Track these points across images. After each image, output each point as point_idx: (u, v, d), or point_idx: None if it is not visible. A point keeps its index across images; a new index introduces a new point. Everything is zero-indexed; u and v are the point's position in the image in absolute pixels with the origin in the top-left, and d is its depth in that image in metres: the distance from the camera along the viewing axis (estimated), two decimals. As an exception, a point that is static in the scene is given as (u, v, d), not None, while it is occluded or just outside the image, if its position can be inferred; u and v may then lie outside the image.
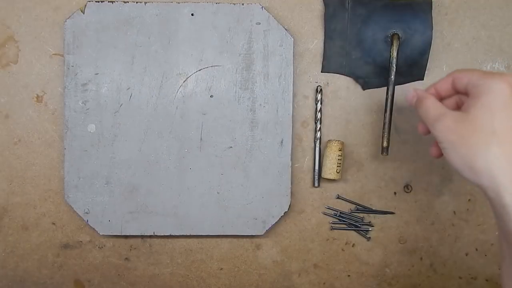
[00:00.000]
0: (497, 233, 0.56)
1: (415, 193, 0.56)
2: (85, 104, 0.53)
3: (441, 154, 0.43)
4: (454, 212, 0.56)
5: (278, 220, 0.54)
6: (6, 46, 0.54)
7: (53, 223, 0.55)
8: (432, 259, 0.57)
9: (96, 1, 0.52)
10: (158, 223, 0.54)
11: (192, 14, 0.53)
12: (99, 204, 0.53)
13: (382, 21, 0.52)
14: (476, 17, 0.55)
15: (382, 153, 0.52)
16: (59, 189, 0.55)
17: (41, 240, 0.55)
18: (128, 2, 0.52)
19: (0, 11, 0.54)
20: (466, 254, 0.57)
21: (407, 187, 0.56)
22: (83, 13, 0.52)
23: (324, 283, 0.56)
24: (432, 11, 0.52)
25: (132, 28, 0.52)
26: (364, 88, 0.54)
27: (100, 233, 0.54)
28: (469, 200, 0.56)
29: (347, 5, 0.53)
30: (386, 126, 0.51)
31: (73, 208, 0.53)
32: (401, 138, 0.55)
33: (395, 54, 0.51)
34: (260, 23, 0.53)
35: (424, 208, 0.56)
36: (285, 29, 0.53)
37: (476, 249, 0.57)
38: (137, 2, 0.52)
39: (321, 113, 0.55)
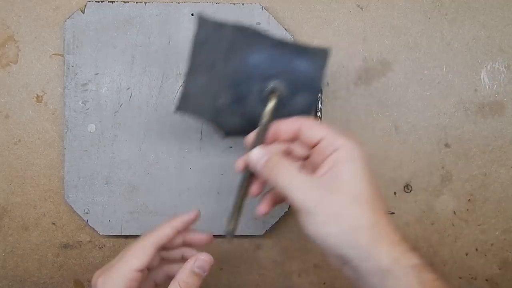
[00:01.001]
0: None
1: (415, 193, 0.56)
2: (85, 104, 0.53)
3: (269, 210, 0.40)
4: (454, 212, 0.56)
5: (278, 220, 0.54)
6: (6, 46, 0.54)
7: (53, 223, 0.55)
8: (432, 259, 0.57)
9: (96, 1, 0.52)
10: (158, 223, 0.54)
11: (192, 14, 0.53)
12: (99, 204, 0.53)
13: (264, 66, 0.40)
14: (476, 17, 0.55)
15: (226, 235, 0.39)
16: (59, 189, 0.55)
17: (41, 240, 0.55)
18: (128, 2, 0.52)
19: (0, 11, 0.54)
20: (466, 254, 0.57)
21: (407, 187, 0.56)
22: (83, 13, 0.52)
23: (324, 283, 0.56)
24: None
25: (132, 28, 0.52)
26: (224, 138, 0.45)
27: (100, 233, 0.54)
28: (469, 200, 0.56)
29: (226, 34, 0.40)
30: (238, 202, 0.39)
31: (73, 208, 0.53)
32: (401, 138, 0.55)
33: (267, 117, 0.39)
34: (260, 23, 0.53)
35: (424, 208, 0.56)
36: (285, 29, 0.53)
37: (476, 249, 0.57)
38: (137, 2, 0.52)
39: (321, 113, 0.55)
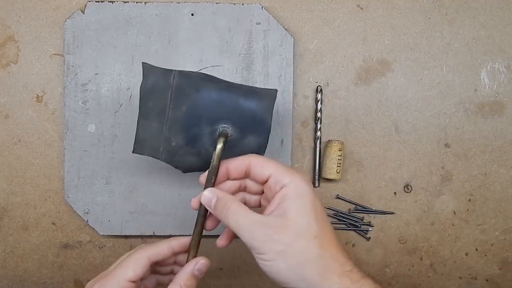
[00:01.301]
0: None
1: (415, 193, 0.56)
2: (85, 104, 0.53)
3: (228, 244, 0.42)
4: (454, 212, 0.56)
5: (278, 220, 0.54)
6: (6, 46, 0.54)
7: (53, 223, 0.55)
8: (432, 259, 0.57)
9: (96, 1, 0.52)
10: (158, 223, 0.54)
11: (192, 14, 0.53)
12: (99, 204, 0.53)
13: (213, 109, 0.41)
14: (476, 17, 0.55)
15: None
16: (59, 189, 0.55)
17: (41, 240, 0.55)
18: (128, 2, 0.52)
19: (0, 11, 0.54)
20: (466, 254, 0.57)
21: (407, 187, 0.56)
22: (83, 13, 0.52)
23: (324, 283, 0.56)
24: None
25: (132, 28, 0.52)
26: (185, 172, 0.46)
27: (100, 233, 0.54)
28: (469, 200, 0.56)
29: (172, 80, 0.41)
30: (195, 236, 0.41)
31: (73, 208, 0.53)
32: (401, 138, 0.55)
33: (215, 159, 0.40)
34: (260, 23, 0.53)
35: (424, 208, 0.56)
36: (285, 29, 0.53)
37: (476, 249, 0.57)
38: (137, 2, 0.52)
39: (321, 113, 0.55)
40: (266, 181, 0.39)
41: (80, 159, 0.53)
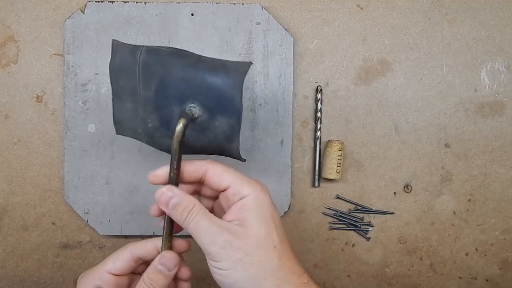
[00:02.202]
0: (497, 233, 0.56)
1: (415, 193, 0.56)
2: (85, 104, 0.53)
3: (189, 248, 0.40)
4: (454, 212, 0.56)
5: (278, 220, 0.54)
6: (6, 46, 0.54)
7: (53, 223, 0.55)
8: (432, 259, 0.57)
9: (96, 1, 0.52)
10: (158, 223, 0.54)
11: (192, 14, 0.53)
12: (99, 204, 0.53)
13: (180, 87, 0.37)
14: (476, 17, 0.55)
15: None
16: (59, 189, 0.55)
17: (41, 240, 0.55)
18: (128, 2, 0.52)
19: (0, 11, 0.54)
20: (466, 254, 0.57)
21: (407, 187, 0.56)
22: (83, 13, 0.52)
23: (324, 283, 0.56)
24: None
25: (132, 28, 0.52)
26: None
27: (100, 233, 0.54)
28: (469, 200, 0.56)
29: (138, 57, 0.38)
30: (165, 238, 0.38)
31: (73, 208, 0.53)
32: (401, 138, 0.55)
33: (175, 145, 0.37)
34: (260, 23, 0.53)
35: (424, 208, 0.56)
36: (285, 29, 0.53)
37: (476, 249, 0.57)
38: (137, 2, 0.52)
39: (321, 113, 0.55)
40: (224, 190, 0.37)
41: (80, 159, 0.53)
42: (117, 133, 0.42)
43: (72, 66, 0.52)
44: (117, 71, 0.39)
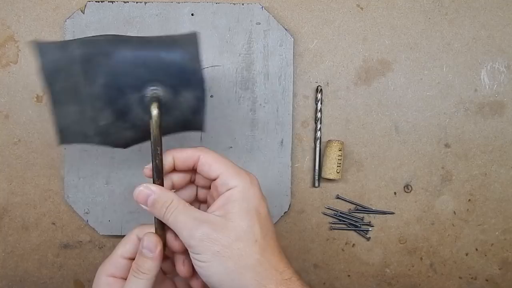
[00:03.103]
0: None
1: (415, 193, 0.56)
2: (85, 104, 0.53)
3: (191, 275, 0.39)
4: (454, 212, 0.56)
5: (278, 220, 0.54)
6: (6, 46, 0.54)
7: (53, 223, 0.55)
8: (432, 259, 0.57)
9: (96, 1, 0.52)
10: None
11: (192, 14, 0.53)
12: (99, 204, 0.53)
13: (134, 73, 0.35)
14: (476, 17, 0.55)
15: None
16: (59, 189, 0.55)
17: (41, 240, 0.55)
18: (128, 2, 0.52)
19: (0, 11, 0.54)
20: (466, 254, 0.57)
21: (407, 187, 0.56)
22: (83, 13, 0.52)
23: (324, 283, 0.56)
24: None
25: (132, 28, 0.52)
26: (126, 147, 0.40)
27: (100, 233, 0.54)
28: (469, 200, 0.56)
29: (74, 54, 0.35)
30: (157, 230, 0.38)
31: (73, 208, 0.53)
32: (401, 138, 0.55)
33: (155, 131, 0.35)
34: (260, 23, 0.53)
35: (424, 208, 0.56)
36: (285, 29, 0.53)
37: (476, 249, 0.57)
38: (137, 2, 0.52)
39: (321, 113, 0.55)
40: (214, 180, 0.37)
41: (80, 159, 0.53)
42: (61, 143, 0.38)
43: (72, 66, 0.52)
44: (51, 74, 0.35)
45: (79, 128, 0.37)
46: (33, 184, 0.55)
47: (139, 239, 0.38)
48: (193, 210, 0.36)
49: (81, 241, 0.55)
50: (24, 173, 0.54)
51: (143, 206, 0.37)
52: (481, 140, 0.56)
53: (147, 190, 0.36)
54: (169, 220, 0.35)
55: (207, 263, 0.34)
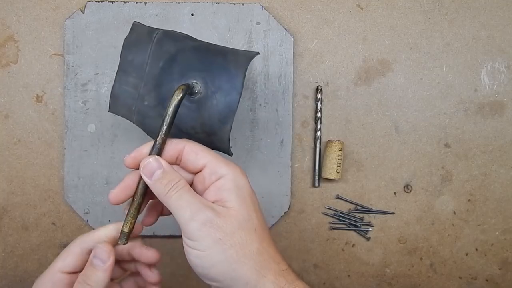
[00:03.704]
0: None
1: (415, 193, 0.56)
2: (85, 104, 0.53)
3: (154, 222, 0.38)
4: (454, 212, 0.56)
5: (278, 220, 0.54)
6: (6, 46, 0.54)
7: (53, 223, 0.55)
8: (432, 259, 0.57)
9: (96, 1, 0.52)
10: (158, 223, 0.53)
11: (192, 14, 0.53)
12: (99, 204, 0.53)
13: (187, 66, 0.38)
14: (476, 17, 0.55)
15: (119, 240, 0.36)
16: (59, 189, 0.55)
17: (41, 240, 0.55)
18: (128, 2, 0.52)
19: (0, 11, 0.54)
20: (466, 254, 0.57)
21: (407, 187, 0.56)
22: (83, 13, 0.52)
23: (324, 283, 0.56)
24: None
25: (132, 28, 0.52)
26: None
27: (100, 233, 0.54)
28: (469, 200, 0.56)
29: (154, 36, 0.40)
30: (136, 202, 0.36)
31: (73, 208, 0.53)
32: (401, 138, 0.55)
33: (170, 110, 0.35)
34: (260, 23, 0.53)
35: (424, 208, 0.56)
36: (285, 29, 0.53)
37: (476, 249, 0.57)
38: (137, 2, 0.52)
39: (321, 113, 0.55)
40: (199, 171, 0.36)
41: (80, 159, 0.53)
42: (110, 110, 0.42)
43: (72, 66, 0.52)
44: (130, 46, 0.40)
45: (128, 101, 0.40)
46: (33, 184, 0.55)
47: (83, 250, 0.35)
48: (198, 195, 0.34)
49: (81, 241, 0.55)
50: (24, 173, 0.54)
51: (146, 179, 0.34)
52: (481, 140, 0.56)
53: (157, 163, 0.34)
54: (172, 198, 0.33)
55: (206, 252, 0.33)
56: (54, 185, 0.55)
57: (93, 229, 0.53)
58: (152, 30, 0.41)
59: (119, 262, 0.38)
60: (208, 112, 0.38)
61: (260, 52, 0.53)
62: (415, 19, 0.55)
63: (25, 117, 0.54)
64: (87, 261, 0.35)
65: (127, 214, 0.36)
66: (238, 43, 0.53)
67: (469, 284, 0.57)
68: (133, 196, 0.36)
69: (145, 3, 0.52)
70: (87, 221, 0.53)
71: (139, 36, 0.40)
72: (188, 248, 0.33)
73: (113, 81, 0.43)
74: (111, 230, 0.36)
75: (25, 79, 0.54)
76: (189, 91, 0.37)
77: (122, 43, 0.41)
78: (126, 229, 0.36)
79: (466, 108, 0.56)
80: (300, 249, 0.56)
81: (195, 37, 0.41)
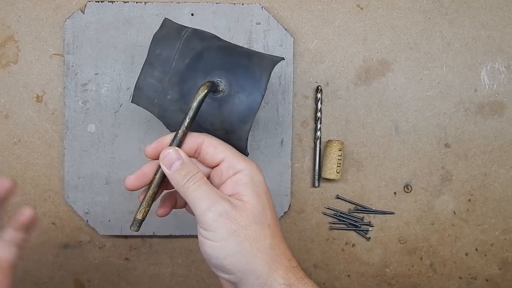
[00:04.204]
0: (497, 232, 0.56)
1: (415, 193, 0.56)
2: (85, 104, 0.53)
3: (168, 212, 0.40)
4: (454, 212, 0.56)
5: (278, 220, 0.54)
6: (6, 46, 0.54)
7: (53, 223, 0.55)
8: (432, 259, 0.57)
9: (96, 1, 0.52)
10: (158, 223, 0.54)
11: (192, 14, 0.53)
12: (99, 204, 0.53)
13: (212, 64, 0.40)
14: (476, 17, 0.55)
15: (131, 226, 0.37)
16: (59, 189, 0.55)
17: (41, 240, 0.55)
18: (128, 2, 0.52)
19: (0, 11, 0.54)
20: (466, 254, 0.57)
21: (407, 187, 0.56)
22: (83, 13, 0.52)
23: (324, 283, 0.56)
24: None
25: (132, 28, 0.52)
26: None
27: (100, 233, 0.54)
28: (469, 200, 0.56)
29: (183, 33, 0.41)
30: (151, 191, 0.37)
31: (73, 208, 0.53)
32: (401, 138, 0.56)
33: (194, 104, 0.36)
34: (260, 23, 0.53)
35: (424, 208, 0.56)
36: (285, 29, 0.53)
37: (476, 249, 0.57)
38: (137, 2, 0.52)
39: (321, 113, 0.55)
40: (217, 165, 0.37)
41: (80, 159, 0.53)
42: (132, 101, 0.43)
43: (72, 66, 0.52)
44: (159, 40, 0.42)
45: (151, 94, 0.42)
46: (33, 184, 0.55)
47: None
48: (214, 187, 0.35)
49: (81, 241, 0.55)
50: (24, 173, 0.54)
51: (165, 169, 0.35)
52: (481, 140, 0.56)
53: (176, 154, 0.35)
54: (190, 189, 0.34)
55: (221, 243, 0.33)
56: (54, 185, 0.55)
57: (93, 229, 0.53)
58: (181, 27, 0.42)
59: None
60: (229, 110, 0.39)
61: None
62: (415, 19, 0.55)
63: (25, 117, 0.54)
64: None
65: (141, 202, 0.37)
66: (238, 43, 0.53)
67: (469, 284, 0.57)
68: (149, 185, 0.37)
69: (145, 3, 0.52)
70: (87, 221, 0.53)
71: (169, 32, 0.42)
72: (203, 239, 0.34)
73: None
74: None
75: (25, 79, 0.54)
76: (213, 88, 0.38)
77: (152, 37, 0.42)
78: (139, 217, 0.37)
79: (466, 108, 0.56)
80: (300, 249, 0.56)
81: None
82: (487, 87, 0.55)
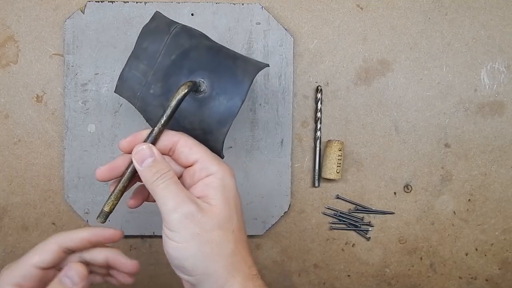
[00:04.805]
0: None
1: (415, 193, 0.56)
2: (85, 104, 0.53)
3: (139, 204, 0.39)
4: (454, 212, 0.56)
5: (278, 220, 0.54)
6: (6, 46, 0.54)
7: (53, 223, 0.55)
8: (432, 259, 0.57)
9: (96, 1, 0.52)
10: (158, 223, 0.53)
11: (192, 14, 0.53)
12: (99, 204, 0.53)
13: (197, 63, 0.39)
14: (476, 17, 0.55)
15: (97, 218, 0.37)
16: (59, 189, 0.55)
17: (41, 240, 0.55)
18: (128, 2, 0.52)
19: (0, 11, 0.54)
20: (466, 254, 0.57)
21: (407, 187, 0.56)
22: (83, 13, 0.52)
23: (324, 283, 0.56)
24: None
25: (132, 28, 0.52)
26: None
27: (100, 233, 0.54)
28: (469, 200, 0.56)
29: (172, 29, 0.41)
30: (121, 184, 0.37)
31: (73, 208, 0.53)
32: (401, 138, 0.56)
33: (173, 103, 0.37)
34: (260, 23, 0.53)
35: (424, 208, 0.56)
36: (285, 29, 0.53)
37: (476, 249, 0.57)
38: (137, 2, 0.52)
39: (321, 113, 0.55)
40: (190, 166, 0.37)
41: (80, 159, 0.53)
42: (116, 91, 0.42)
43: (72, 66, 0.52)
44: (147, 34, 0.41)
45: (134, 86, 0.41)
46: (33, 184, 0.55)
47: (61, 248, 0.36)
48: (185, 189, 0.35)
49: (81, 241, 0.55)
50: (24, 173, 0.54)
51: (136, 165, 0.35)
52: (481, 140, 0.56)
53: (149, 151, 0.35)
54: (159, 187, 0.34)
55: (183, 244, 0.33)
56: (54, 185, 0.55)
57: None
58: (171, 22, 0.42)
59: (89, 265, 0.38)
60: (209, 111, 0.39)
61: (261, 53, 0.53)
62: (415, 19, 0.55)
63: (25, 117, 0.54)
64: (62, 259, 0.36)
65: (110, 195, 0.37)
66: (238, 43, 0.53)
67: (469, 284, 0.57)
68: (120, 178, 0.37)
69: (145, 3, 0.52)
70: (87, 221, 0.53)
71: (158, 26, 0.41)
72: (166, 238, 0.34)
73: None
74: (88, 233, 0.37)
75: (25, 79, 0.54)
76: (194, 88, 0.38)
77: (141, 30, 0.42)
78: (106, 209, 0.37)
79: (466, 108, 0.56)
80: (300, 249, 0.56)
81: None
82: (487, 87, 0.55)
